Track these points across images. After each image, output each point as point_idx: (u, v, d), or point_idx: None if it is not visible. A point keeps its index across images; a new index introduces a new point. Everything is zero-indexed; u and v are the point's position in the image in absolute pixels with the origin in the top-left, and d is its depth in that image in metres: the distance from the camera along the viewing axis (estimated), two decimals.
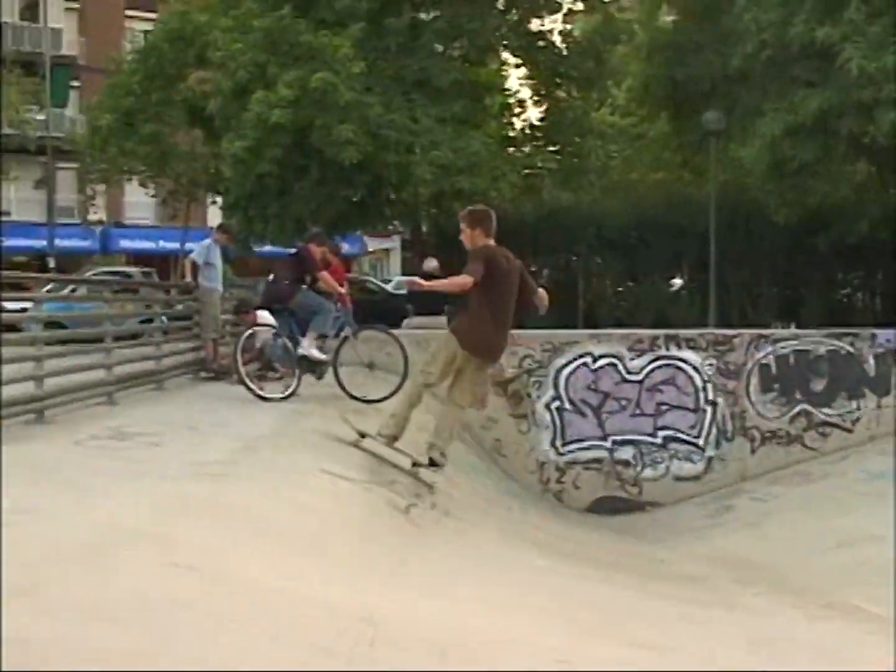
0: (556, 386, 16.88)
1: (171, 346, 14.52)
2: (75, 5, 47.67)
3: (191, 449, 8.27)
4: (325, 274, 12.66)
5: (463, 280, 8.85)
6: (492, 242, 9.17)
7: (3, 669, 3.30)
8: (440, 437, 9.42)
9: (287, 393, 11.99)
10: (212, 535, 5.62)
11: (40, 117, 39.03)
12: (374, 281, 32.63)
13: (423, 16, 25.30)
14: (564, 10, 26.28)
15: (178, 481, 6.78)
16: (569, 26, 26.64)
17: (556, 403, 16.86)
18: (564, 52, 25.98)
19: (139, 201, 45.17)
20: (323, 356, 12.32)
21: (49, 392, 9.97)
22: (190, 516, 5.89)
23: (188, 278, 14.83)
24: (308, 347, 12.14)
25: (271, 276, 13.21)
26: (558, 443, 16.83)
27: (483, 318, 9.06)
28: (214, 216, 25.37)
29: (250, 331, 12.53)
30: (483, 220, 9.20)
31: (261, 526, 6.13)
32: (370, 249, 47.76)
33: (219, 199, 32.61)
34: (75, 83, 44.92)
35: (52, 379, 10.23)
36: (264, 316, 13.08)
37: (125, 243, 46.65)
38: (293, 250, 13.40)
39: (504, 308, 9.17)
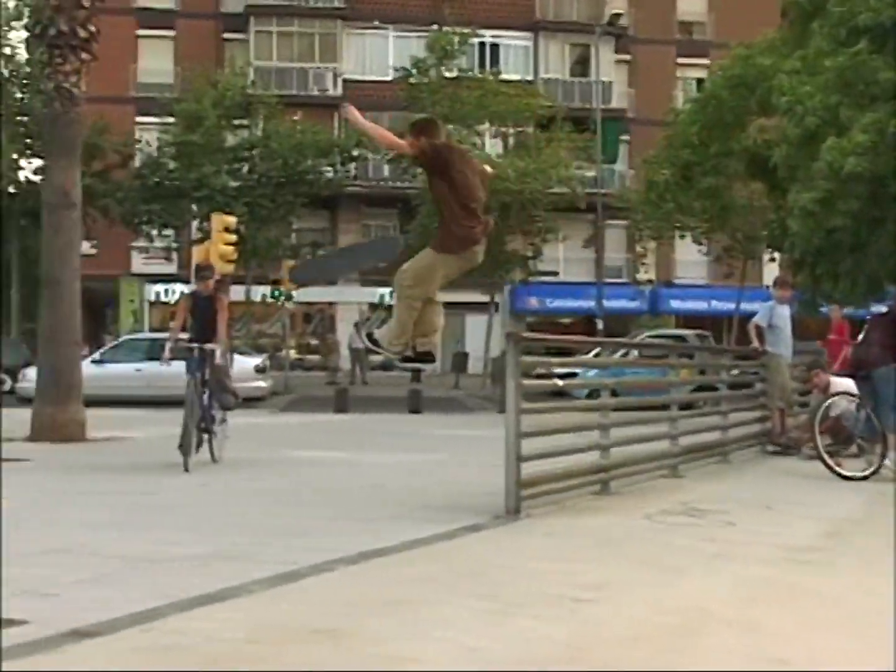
0: None
1: (736, 415, 14.44)
2: (626, 57, 49.55)
3: (769, 530, 8.23)
4: None
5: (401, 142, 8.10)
6: None
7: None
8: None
9: (869, 471, 11.54)
10: (802, 627, 5.51)
11: (590, 174, 40.54)
12: None
13: None
14: None
15: (762, 565, 6.77)
16: None
17: None
18: None
19: (691, 259, 45.96)
20: None
21: (614, 462, 10.30)
22: (779, 605, 5.84)
23: (754, 343, 14.70)
24: None
25: (860, 338, 12.84)
26: None
27: (453, 212, 7.92)
28: (771, 274, 25.17)
29: (829, 401, 12.27)
30: (427, 127, 8.22)
31: (853, 620, 5.91)
32: None
33: (777, 256, 32.49)
34: (625, 137, 46.56)
35: (615, 449, 10.47)
36: (842, 383, 12.77)
37: (675, 304, 47.44)
38: (883, 310, 12.97)
39: (472, 196, 7.98)
